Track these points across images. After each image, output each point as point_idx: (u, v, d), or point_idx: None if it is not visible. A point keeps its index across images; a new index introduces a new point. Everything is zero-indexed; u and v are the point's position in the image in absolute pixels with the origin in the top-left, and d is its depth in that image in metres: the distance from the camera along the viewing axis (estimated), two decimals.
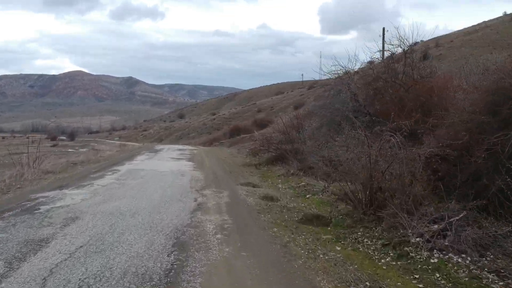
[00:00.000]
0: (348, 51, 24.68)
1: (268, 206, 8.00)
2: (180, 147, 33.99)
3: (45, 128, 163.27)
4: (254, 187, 10.59)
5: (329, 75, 14.67)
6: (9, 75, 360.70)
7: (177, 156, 20.46)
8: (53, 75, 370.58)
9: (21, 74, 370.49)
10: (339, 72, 14.29)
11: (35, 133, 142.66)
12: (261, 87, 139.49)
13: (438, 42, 50.64)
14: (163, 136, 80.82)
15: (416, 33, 14.75)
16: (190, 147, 33.11)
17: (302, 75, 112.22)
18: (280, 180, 12.10)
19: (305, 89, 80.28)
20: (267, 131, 37.34)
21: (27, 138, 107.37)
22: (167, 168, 14.12)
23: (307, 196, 9.25)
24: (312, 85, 79.99)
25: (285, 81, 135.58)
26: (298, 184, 10.74)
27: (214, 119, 78.20)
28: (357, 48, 49.06)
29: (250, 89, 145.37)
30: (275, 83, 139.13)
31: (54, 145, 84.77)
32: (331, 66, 14.36)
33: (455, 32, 62.78)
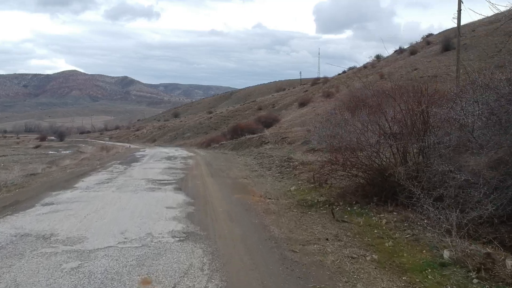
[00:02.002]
0: None
1: None
2: (171, 151, 25.05)
3: (38, 128, 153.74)
4: None
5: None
6: (2, 74, 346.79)
7: (160, 174, 11.47)
8: (48, 75, 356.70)
9: (15, 74, 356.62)
10: None
11: (28, 133, 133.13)
12: (258, 85, 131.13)
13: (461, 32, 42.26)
14: (156, 136, 71.65)
15: None
16: (184, 152, 24.16)
17: (300, 72, 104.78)
18: None
19: (309, 85, 71.95)
20: (278, 129, 28.25)
21: (18, 138, 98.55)
22: (117, 235, 5.11)
23: None
24: (315, 81, 71.62)
25: (281, 79, 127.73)
26: None
27: (211, 117, 69.04)
28: None
29: (247, 88, 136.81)
30: (272, 81, 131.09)
31: (36, 147, 75.77)
32: None
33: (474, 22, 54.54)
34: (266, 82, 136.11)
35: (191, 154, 21.87)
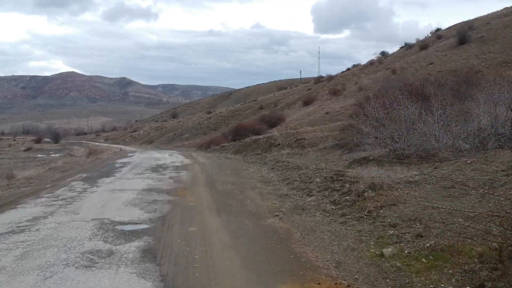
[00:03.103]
0: None
1: None
2: (164, 157, 20.33)
3: (36, 130, 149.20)
4: None
5: None
6: (0, 76, 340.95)
7: (129, 205, 6.70)
8: (46, 76, 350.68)
9: (13, 75, 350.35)
10: None
11: (26, 135, 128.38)
12: (257, 84, 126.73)
13: (472, 25, 38.25)
14: (153, 137, 66.91)
15: None
16: (179, 158, 19.43)
17: (301, 71, 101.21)
18: None
19: (312, 83, 67.46)
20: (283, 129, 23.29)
21: (14, 140, 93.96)
22: None
23: None
24: (318, 79, 67.17)
25: (280, 79, 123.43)
26: None
27: (210, 118, 64.34)
28: None
29: (246, 87, 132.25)
30: (271, 81, 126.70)
31: (27, 149, 71.05)
32: None
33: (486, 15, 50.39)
34: (265, 82, 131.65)
35: (188, 161, 17.10)
